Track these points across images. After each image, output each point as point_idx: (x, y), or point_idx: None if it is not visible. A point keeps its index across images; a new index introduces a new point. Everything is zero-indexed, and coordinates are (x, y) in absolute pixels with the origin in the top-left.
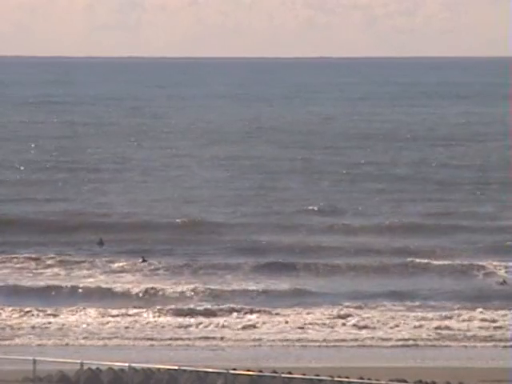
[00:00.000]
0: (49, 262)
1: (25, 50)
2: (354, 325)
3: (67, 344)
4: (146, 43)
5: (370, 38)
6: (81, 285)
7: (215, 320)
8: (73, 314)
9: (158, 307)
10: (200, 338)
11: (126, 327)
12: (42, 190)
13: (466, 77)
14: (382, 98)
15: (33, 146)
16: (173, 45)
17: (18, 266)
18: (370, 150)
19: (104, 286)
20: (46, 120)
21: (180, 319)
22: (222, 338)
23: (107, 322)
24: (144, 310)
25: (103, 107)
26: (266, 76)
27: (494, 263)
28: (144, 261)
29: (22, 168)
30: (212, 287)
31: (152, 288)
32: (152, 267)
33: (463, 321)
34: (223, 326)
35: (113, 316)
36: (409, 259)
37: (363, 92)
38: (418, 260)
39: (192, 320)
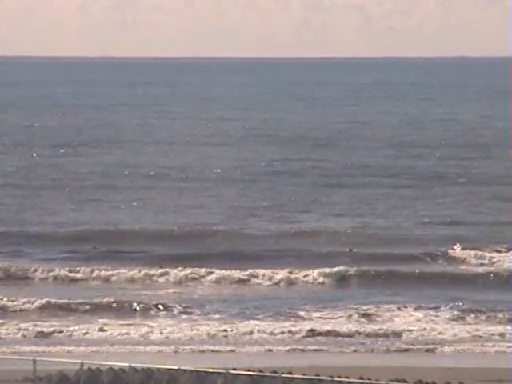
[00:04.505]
0: None
1: (21, 50)
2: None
3: None
4: (142, 43)
5: (366, 38)
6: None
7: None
8: None
9: None
10: None
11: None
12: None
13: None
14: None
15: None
16: (170, 45)
17: None
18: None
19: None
20: (51, 122)
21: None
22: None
23: None
24: None
25: (106, 109)
26: (265, 76)
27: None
28: (161, 268)
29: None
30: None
31: None
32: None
33: None
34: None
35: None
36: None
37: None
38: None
39: None
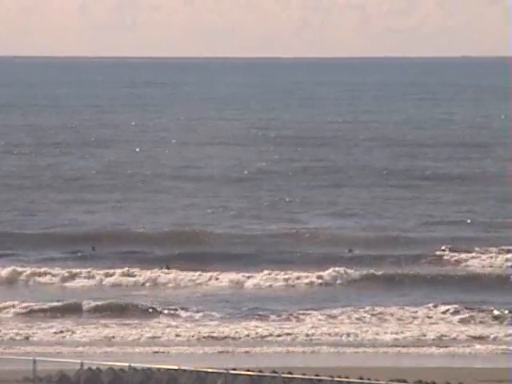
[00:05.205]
0: None
1: (20, 50)
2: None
3: None
4: (142, 43)
5: (366, 38)
6: None
7: None
8: None
9: None
10: None
11: None
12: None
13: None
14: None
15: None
16: (170, 45)
17: None
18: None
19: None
20: (49, 122)
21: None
22: None
23: None
24: None
25: (105, 109)
26: (265, 76)
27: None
28: (167, 268)
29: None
30: None
31: None
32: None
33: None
34: None
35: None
36: None
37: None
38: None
39: None
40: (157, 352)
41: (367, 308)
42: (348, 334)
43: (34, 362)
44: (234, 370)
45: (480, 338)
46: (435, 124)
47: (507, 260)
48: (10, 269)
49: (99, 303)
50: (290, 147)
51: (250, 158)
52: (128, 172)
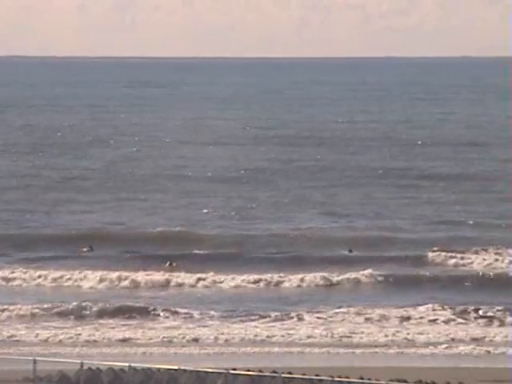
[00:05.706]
0: None
1: (20, 50)
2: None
3: None
4: (142, 43)
5: (366, 38)
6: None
7: None
8: None
9: None
10: None
11: None
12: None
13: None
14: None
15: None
16: (170, 45)
17: None
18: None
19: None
20: (48, 122)
21: None
22: None
23: None
24: None
25: (104, 109)
26: (264, 76)
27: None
28: (171, 264)
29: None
30: None
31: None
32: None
33: None
34: None
35: None
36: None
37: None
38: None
39: None
40: (157, 352)
41: (367, 308)
42: (348, 334)
43: (34, 362)
44: (234, 369)
45: (479, 338)
46: (434, 124)
47: (505, 260)
48: (8, 269)
49: (98, 303)
50: (288, 147)
51: (248, 158)
52: (126, 172)
